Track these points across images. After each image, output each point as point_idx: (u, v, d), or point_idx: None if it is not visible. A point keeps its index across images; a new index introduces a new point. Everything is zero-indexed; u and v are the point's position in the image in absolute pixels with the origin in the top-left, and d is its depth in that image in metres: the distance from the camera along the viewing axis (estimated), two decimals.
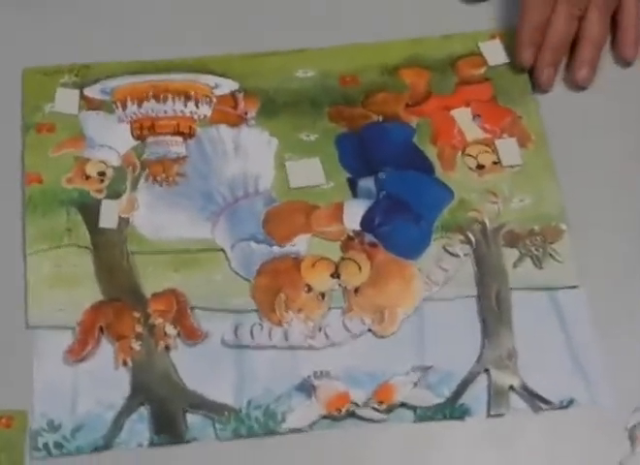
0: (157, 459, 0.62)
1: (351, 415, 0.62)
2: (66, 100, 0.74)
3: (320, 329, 0.65)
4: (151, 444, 0.62)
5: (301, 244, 0.68)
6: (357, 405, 0.62)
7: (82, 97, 0.74)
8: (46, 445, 0.62)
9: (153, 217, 0.69)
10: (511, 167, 0.71)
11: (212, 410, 0.63)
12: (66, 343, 0.65)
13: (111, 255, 0.68)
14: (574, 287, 0.67)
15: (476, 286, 0.67)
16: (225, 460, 0.62)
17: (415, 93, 0.74)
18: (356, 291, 0.66)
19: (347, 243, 0.68)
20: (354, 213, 0.69)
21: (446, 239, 0.68)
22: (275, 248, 0.68)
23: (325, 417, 0.62)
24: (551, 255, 0.68)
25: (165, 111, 0.73)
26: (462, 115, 0.73)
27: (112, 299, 0.66)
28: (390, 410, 0.62)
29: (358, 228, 0.68)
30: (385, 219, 0.68)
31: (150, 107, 0.73)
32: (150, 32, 0.77)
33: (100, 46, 0.75)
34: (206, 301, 0.66)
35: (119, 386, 0.64)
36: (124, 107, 0.73)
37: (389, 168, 0.70)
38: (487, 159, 0.71)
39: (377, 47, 0.75)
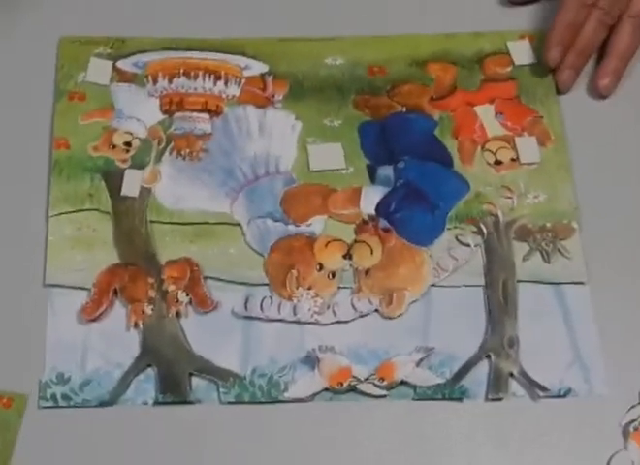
0: (160, 418, 0.63)
1: (352, 389, 0.63)
2: (99, 70, 0.75)
3: (329, 307, 0.66)
4: (156, 402, 0.63)
5: (316, 225, 0.69)
6: (359, 380, 0.63)
7: (115, 69, 0.75)
8: (54, 395, 0.63)
9: (174, 189, 0.70)
10: (529, 164, 0.72)
11: (217, 375, 0.64)
12: (80, 302, 0.66)
13: (130, 222, 0.69)
14: (580, 283, 0.67)
15: (484, 276, 0.68)
16: (226, 424, 0.63)
17: (440, 87, 0.75)
18: (366, 272, 0.67)
19: (361, 227, 0.69)
20: (371, 198, 0.70)
21: (459, 229, 0.69)
22: (291, 227, 0.69)
23: (327, 389, 0.63)
24: (560, 251, 0.68)
25: (195, 89, 0.74)
26: (485, 112, 0.74)
27: (128, 263, 0.67)
28: (390, 387, 0.63)
29: (373, 212, 0.69)
30: (400, 206, 0.69)
31: (181, 83, 0.74)
32: (185, 10, 0.78)
33: (136, 21, 0.77)
34: (219, 272, 0.67)
35: (129, 346, 0.65)
36: (155, 81, 0.74)
37: (408, 157, 0.71)
38: (505, 155, 0.72)
39: (407, 40, 0.76)
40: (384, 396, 0.63)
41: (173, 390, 0.63)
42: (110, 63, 0.75)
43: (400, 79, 0.75)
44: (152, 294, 0.66)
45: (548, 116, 0.73)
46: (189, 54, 0.75)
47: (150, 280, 0.67)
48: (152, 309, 0.66)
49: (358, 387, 0.63)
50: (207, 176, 0.71)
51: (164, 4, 0.78)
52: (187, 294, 0.66)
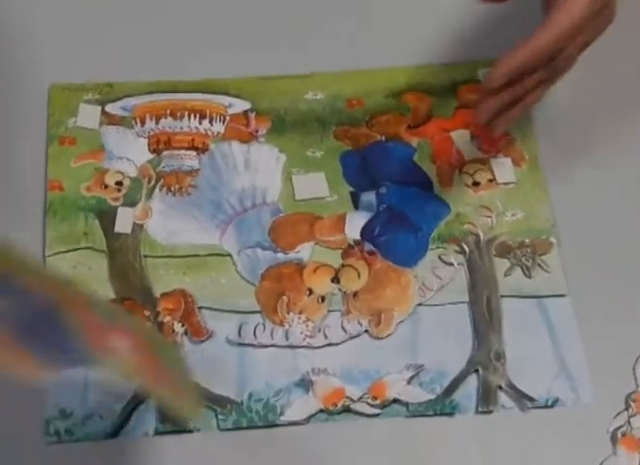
0: (162, 448, 0.64)
1: (346, 409, 0.64)
2: (88, 115, 0.76)
3: (320, 330, 0.67)
4: (156, 433, 0.64)
5: (304, 251, 0.70)
6: (352, 400, 0.64)
7: (104, 113, 0.76)
8: (57, 431, 0.64)
9: (166, 224, 0.72)
10: (505, 184, 0.73)
11: (215, 402, 0.64)
12: None
13: (124, 257, 0.70)
14: (561, 295, 0.68)
15: (468, 293, 0.69)
16: (226, 450, 0.64)
17: (417, 115, 0.76)
18: (354, 295, 0.68)
19: (348, 251, 0.70)
20: (355, 223, 0.71)
21: (441, 249, 0.70)
22: (280, 255, 0.70)
23: (322, 410, 0.64)
24: (540, 265, 0.70)
25: (181, 128, 0.76)
26: (460, 136, 0.75)
27: (124, 298, 0.68)
28: (383, 405, 0.64)
29: (358, 237, 0.71)
30: (384, 230, 0.71)
31: (167, 123, 0.76)
32: (169, 53, 0.79)
33: (122, 66, 0.78)
34: (212, 302, 0.68)
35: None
36: (143, 123, 0.76)
37: (389, 183, 0.73)
38: (482, 176, 0.73)
39: (383, 73, 0.78)
40: (377, 415, 0.64)
41: (172, 420, 0.64)
42: (98, 108, 0.76)
43: (378, 110, 0.76)
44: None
45: (521, 137, 0.75)
46: (175, 96, 0.77)
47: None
48: None
49: (352, 406, 0.64)
50: (196, 211, 0.72)
51: (149, 49, 0.79)
52: (182, 325, 0.67)
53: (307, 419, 0.64)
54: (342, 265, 0.69)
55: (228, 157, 0.74)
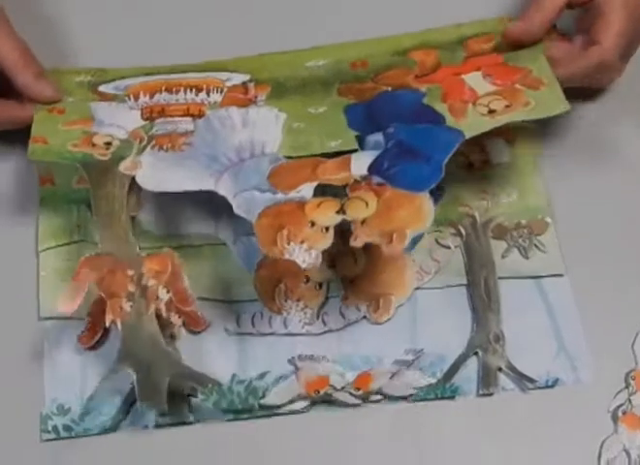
0: (163, 440, 0.62)
1: (328, 397, 0.62)
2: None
3: (318, 317, 0.66)
4: (157, 426, 0.62)
5: (306, 191, 0.63)
6: (335, 389, 0.62)
7: (96, 92, 0.72)
8: (55, 427, 0.62)
9: (156, 173, 0.65)
10: (499, 164, 0.71)
11: (196, 380, 0.62)
12: (76, 333, 0.65)
13: (111, 206, 0.66)
14: (559, 275, 0.67)
15: (466, 275, 0.67)
16: (227, 440, 0.62)
17: (424, 67, 0.71)
18: (363, 222, 0.61)
19: (354, 186, 0.63)
20: (362, 162, 0.64)
21: (438, 232, 0.69)
22: (280, 195, 0.63)
23: (303, 397, 0.62)
24: (536, 246, 0.68)
25: (176, 100, 0.71)
26: (472, 77, 0.69)
27: (106, 253, 0.64)
28: (366, 397, 0.62)
29: (365, 173, 0.63)
30: (394, 163, 0.64)
31: (162, 97, 0.71)
32: (164, 42, 0.77)
33: (116, 54, 0.75)
34: (209, 292, 0.67)
35: (126, 372, 0.63)
36: (136, 98, 0.71)
37: (397, 123, 0.66)
38: (499, 104, 0.67)
39: (387, 39, 0.74)
40: (358, 405, 0.62)
41: (151, 397, 0.61)
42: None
43: (384, 67, 0.72)
44: (132, 288, 0.62)
45: (537, 68, 0.69)
46: (170, 76, 0.73)
47: (130, 272, 0.62)
48: (131, 306, 0.62)
49: (334, 395, 0.62)
50: (191, 162, 0.66)
51: (143, 37, 0.77)
52: (168, 291, 0.63)
53: (288, 404, 0.62)
54: (348, 198, 0.62)
55: (225, 119, 0.69)
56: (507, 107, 0.67)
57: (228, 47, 0.75)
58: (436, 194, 0.67)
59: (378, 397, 0.63)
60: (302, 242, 0.61)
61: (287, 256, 0.60)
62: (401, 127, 0.66)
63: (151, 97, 0.71)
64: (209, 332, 0.66)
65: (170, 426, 0.63)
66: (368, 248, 0.66)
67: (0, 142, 0.73)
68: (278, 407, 0.62)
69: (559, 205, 0.70)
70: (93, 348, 0.65)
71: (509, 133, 0.72)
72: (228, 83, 0.73)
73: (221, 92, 0.72)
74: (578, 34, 0.71)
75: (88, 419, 0.62)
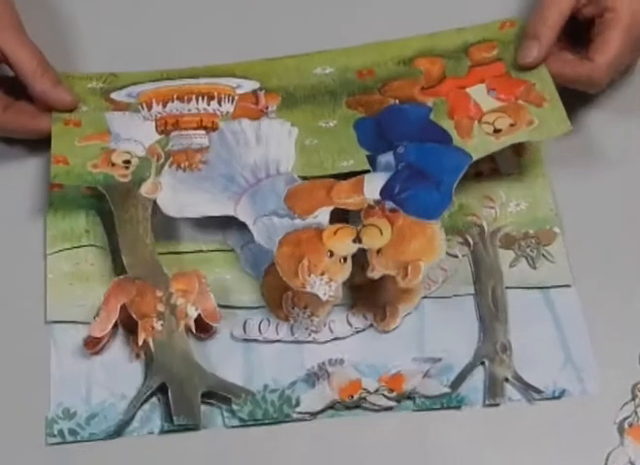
0: (167, 446, 0.62)
1: (362, 401, 0.62)
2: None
3: (325, 325, 0.65)
4: (162, 431, 0.62)
5: (322, 216, 0.65)
6: (368, 392, 0.62)
7: (108, 100, 0.73)
8: (60, 431, 0.62)
9: (176, 197, 0.67)
10: (508, 174, 0.71)
11: (230, 392, 0.62)
12: (82, 337, 0.65)
13: (135, 231, 0.66)
14: (567, 285, 0.67)
15: (474, 284, 0.67)
16: (234, 448, 0.62)
17: (430, 78, 0.72)
18: (378, 252, 0.63)
19: (368, 211, 0.64)
20: (374, 184, 0.66)
21: (446, 241, 0.68)
22: (298, 221, 0.65)
23: (338, 402, 0.62)
24: (544, 256, 0.68)
25: (189, 110, 0.72)
26: (477, 91, 0.70)
27: (135, 277, 0.65)
28: (399, 398, 0.62)
29: (378, 197, 0.65)
30: (405, 186, 0.65)
31: (175, 106, 0.72)
32: (173, 45, 0.77)
33: (126, 58, 0.76)
34: (216, 298, 0.66)
35: (132, 377, 0.64)
36: (149, 107, 0.72)
37: (407, 142, 0.68)
38: (503, 123, 0.68)
39: (392, 44, 0.74)
40: (391, 408, 0.62)
41: (186, 412, 0.61)
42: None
43: (390, 77, 0.73)
44: (161, 308, 0.64)
45: (540, 81, 0.70)
46: (181, 82, 0.74)
47: (159, 293, 0.64)
48: (162, 324, 0.63)
49: (368, 398, 0.62)
50: (208, 184, 0.68)
51: (151, 41, 0.77)
52: (196, 309, 0.64)
53: (323, 411, 0.62)
54: (363, 225, 0.64)
55: (238, 134, 0.70)
56: (512, 125, 0.68)
57: (235, 50, 0.76)
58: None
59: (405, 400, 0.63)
60: (322, 274, 0.63)
61: (309, 288, 0.62)
62: (411, 147, 0.67)
63: (164, 106, 0.72)
64: (216, 338, 0.65)
65: (175, 432, 0.62)
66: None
67: (10, 146, 0.73)
68: (313, 414, 0.62)
69: (567, 216, 0.69)
70: (98, 353, 0.65)
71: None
72: (239, 91, 0.73)
73: (232, 101, 0.72)
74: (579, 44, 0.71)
75: (94, 424, 0.62)
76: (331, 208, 0.65)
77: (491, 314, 0.65)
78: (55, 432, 0.62)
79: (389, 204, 0.64)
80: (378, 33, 0.75)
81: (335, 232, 0.64)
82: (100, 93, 0.73)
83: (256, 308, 0.66)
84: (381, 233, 0.63)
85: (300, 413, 0.62)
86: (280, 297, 0.66)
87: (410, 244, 0.63)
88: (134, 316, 0.63)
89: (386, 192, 0.65)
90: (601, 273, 0.67)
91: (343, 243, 0.63)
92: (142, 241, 0.66)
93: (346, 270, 0.63)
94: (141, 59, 0.75)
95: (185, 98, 0.72)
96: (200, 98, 0.72)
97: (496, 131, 0.68)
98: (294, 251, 0.63)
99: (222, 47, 0.76)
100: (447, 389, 0.62)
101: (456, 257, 0.68)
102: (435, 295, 0.66)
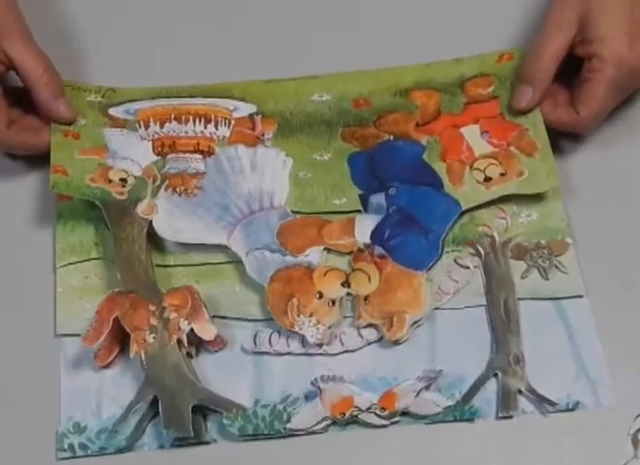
0: (178, 460, 0.61)
1: (354, 419, 0.61)
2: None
3: (336, 337, 0.65)
4: (173, 445, 0.61)
5: (313, 255, 0.67)
6: (360, 410, 0.61)
7: (107, 115, 0.73)
8: (71, 445, 0.62)
9: (172, 221, 0.68)
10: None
11: (221, 406, 0.62)
12: (92, 350, 0.64)
13: (131, 248, 0.67)
14: (579, 296, 0.66)
15: (485, 296, 0.66)
16: (240, 461, 0.61)
17: (425, 113, 0.73)
18: (365, 299, 0.65)
19: (357, 255, 0.67)
20: (365, 227, 0.68)
21: (457, 252, 0.68)
22: (289, 258, 0.67)
23: (331, 420, 0.62)
24: (556, 266, 0.67)
25: (186, 132, 0.73)
26: (470, 132, 0.72)
27: (129, 291, 0.65)
28: (392, 417, 0.61)
29: (368, 241, 0.68)
30: (394, 233, 0.68)
31: (172, 127, 0.73)
32: (172, 61, 0.77)
33: (124, 74, 0.76)
34: (226, 310, 0.66)
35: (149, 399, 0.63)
36: (147, 126, 0.73)
37: (399, 183, 0.70)
38: (494, 171, 0.70)
39: (389, 72, 0.75)
40: (385, 426, 0.61)
41: (176, 424, 0.61)
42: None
43: (386, 109, 0.74)
44: (154, 321, 0.64)
45: (533, 127, 0.71)
46: (178, 101, 0.74)
47: (152, 307, 0.64)
48: (154, 337, 0.63)
49: (360, 416, 0.61)
50: (202, 211, 0.69)
51: (150, 56, 0.77)
52: (189, 323, 0.64)
53: (319, 429, 0.61)
54: (353, 269, 0.67)
55: (234, 160, 0.72)
56: (502, 175, 0.69)
57: (234, 68, 0.76)
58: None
59: (399, 418, 0.62)
60: (310, 315, 0.64)
61: (297, 329, 0.64)
62: (402, 189, 0.69)
63: (161, 126, 0.73)
64: (226, 351, 0.65)
65: (186, 446, 0.61)
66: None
67: (18, 160, 0.73)
68: (305, 431, 0.61)
69: (579, 226, 0.69)
70: (108, 366, 0.64)
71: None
72: (235, 114, 0.74)
73: (229, 125, 0.73)
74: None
75: (104, 438, 0.61)
76: (321, 248, 0.67)
77: (503, 325, 0.65)
78: (66, 446, 0.61)
79: (378, 250, 0.67)
80: (377, 57, 0.76)
81: (325, 274, 0.66)
82: (98, 107, 0.74)
83: (266, 320, 0.66)
84: (369, 280, 0.65)
85: (291, 429, 0.61)
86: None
87: (397, 294, 0.65)
88: (126, 328, 0.63)
89: (376, 236, 0.67)
90: (614, 283, 0.66)
91: (333, 286, 0.65)
92: (137, 258, 0.67)
93: (334, 314, 0.65)
94: (140, 74, 0.76)
95: (182, 119, 0.73)
96: (197, 120, 0.73)
97: (487, 179, 0.69)
98: (284, 289, 0.65)
99: (221, 66, 0.76)
100: (440, 409, 0.61)
101: (467, 268, 0.67)
102: (447, 307, 0.66)
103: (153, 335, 0.63)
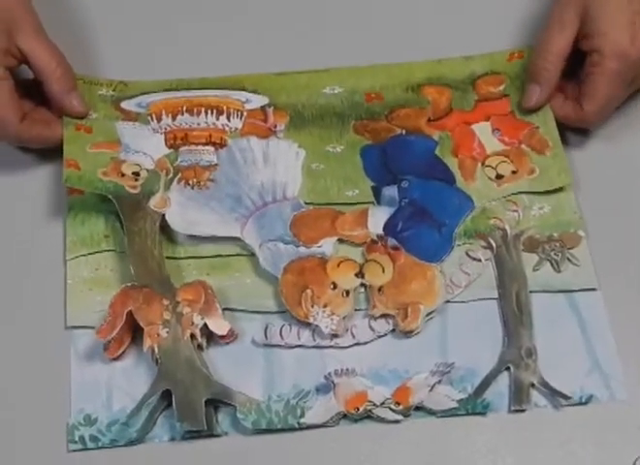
0: (189, 453, 0.61)
1: (368, 414, 0.61)
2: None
3: (347, 330, 0.64)
4: (183, 438, 0.61)
5: (326, 246, 0.67)
6: (374, 405, 0.61)
7: (119, 109, 0.73)
8: (82, 438, 0.61)
9: (185, 214, 0.68)
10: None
11: (234, 399, 0.61)
12: (102, 343, 0.64)
13: (144, 243, 0.66)
14: (592, 289, 0.65)
15: (497, 289, 0.66)
16: (251, 454, 0.61)
17: (437, 109, 0.73)
18: (379, 289, 0.65)
19: (371, 246, 0.67)
20: (378, 219, 0.68)
21: (468, 245, 0.67)
22: (302, 249, 0.67)
23: (344, 415, 0.61)
24: (569, 259, 0.66)
25: (198, 124, 0.72)
26: (482, 129, 0.72)
27: (142, 285, 0.65)
28: (406, 411, 0.61)
29: (381, 232, 0.67)
30: (407, 225, 0.68)
31: (184, 119, 0.73)
32: (183, 55, 0.77)
33: (136, 67, 0.75)
34: (237, 303, 0.65)
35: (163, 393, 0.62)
36: (159, 119, 0.73)
37: (411, 177, 0.70)
38: (506, 169, 0.70)
39: (401, 67, 0.75)
40: (398, 421, 0.61)
41: (190, 417, 0.60)
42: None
43: (398, 104, 0.73)
44: (167, 316, 0.63)
45: (544, 125, 0.71)
46: (190, 93, 0.74)
47: (165, 302, 0.64)
48: (167, 332, 0.63)
49: (374, 411, 0.61)
50: (215, 203, 0.69)
51: (162, 49, 0.77)
52: (202, 318, 0.64)
53: (332, 423, 0.61)
54: (366, 261, 0.66)
55: (246, 152, 0.71)
56: (513, 173, 0.69)
57: (246, 61, 0.75)
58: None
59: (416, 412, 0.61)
60: (325, 306, 0.64)
61: (311, 320, 0.63)
62: (415, 183, 0.69)
63: (174, 118, 0.72)
64: (237, 344, 0.64)
65: (197, 438, 0.61)
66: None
67: (29, 153, 0.73)
68: (319, 426, 0.61)
69: (591, 218, 0.68)
70: (119, 358, 0.64)
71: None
72: (247, 106, 0.73)
73: (241, 117, 0.72)
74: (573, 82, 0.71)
75: (115, 430, 0.61)
76: (334, 239, 0.67)
77: (515, 318, 0.64)
78: (76, 438, 0.61)
79: (391, 241, 0.66)
80: (388, 52, 0.75)
81: (338, 265, 0.65)
82: (110, 101, 0.73)
83: (277, 313, 0.65)
84: (383, 271, 0.65)
85: (305, 423, 0.60)
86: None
87: (411, 285, 0.65)
88: (140, 323, 0.63)
89: (389, 228, 0.67)
90: (627, 276, 0.66)
91: (346, 276, 0.65)
92: (150, 252, 0.66)
93: (348, 305, 0.64)
94: (152, 68, 0.75)
95: (195, 111, 0.72)
96: (209, 112, 0.72)
97: (499, 176, 0.69)
98: (298, 280, 0.65)
99: (233, 58, 0.76)
100: (455, 404, 0.61)
101: (479, 261, 0.67)
102: (459, 300, 0.65)
103: (167, 330, 0.63)
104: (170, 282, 0.65)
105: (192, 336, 0.63)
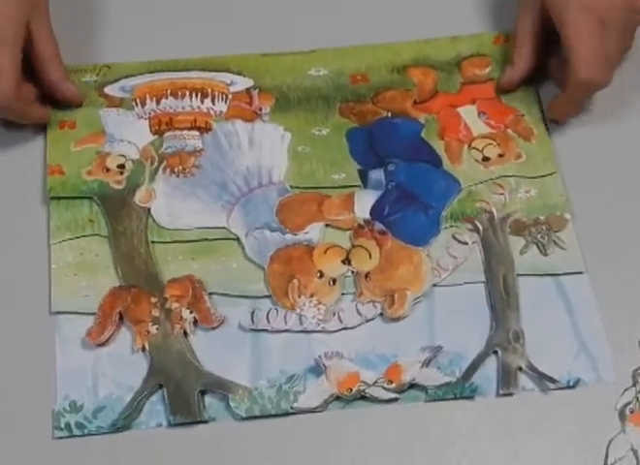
0: (175, 439, 0.60)
1: (362, 394, 0.60)
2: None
3: (334, 314, 0.63)
4: (170, 424, 0.60)
5: (313, 232, 0.66)
6: (367, 384, 0.60)
7: (102, 95, 0.72)
8: (67, 424, 0.60)
9: (170, 206, 0.67)
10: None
11: (227, 389, 0.61)
12: (87, 328, 0.63)
13: (129, 243, 0.66)
14: (579, 272, 0.65)
15: (484, 272, 0.65)
16: (241, 440, 0.60)
17: (422, 91, 0.72)
18: (366, 276, 0.64)
19: (358, 231, 0.66)
20: (364, 202, 0.67)
21: (455, 228, 0.66)
22: (289, 236, 0.66)
23: (337, 397, 0.60)
24: (555, 242, 0.66)
25: (182, 107, 0.71)
26: (467, 112, 0.71)
27: (130, 285, 0.64)
28: (400, 389, 0.60)
29: (368, 216, 0.66)
30: (394, 209, 0.67)
31: (168, 103, 0.71)
32: (167, 34, 0.75)
33: (120, 47, 0.74)
34: (223, 288, 0.64)
35: (139, 369, 0.62)
36: (143, 104, 0.71)
37: (397, 159, 0.69)
38: (492, 152, 0.69)
39: (386, 48, 0.74)
40: (395, 400, 0.60)
41: (183, 411, 0.60)
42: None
43: (383, 86, 0.72)
44: (156, 313, 0.63)
45: (529, 113, 0.71)
46: (175, 75, 0.72)
47: (153, 300, 0.64)
48: (157, 328, 0.63)
49: (367, 391, 0.60)
50: (201, 191, 0.68)
51: (146, 29, 0.75)
52: (191, 312, 0.63)
53: (324, 406, 0.60)
54: (353, 246, 0.65)
55: (232, 136, 0.70)
56: (500, 156, 0.69)
57: (230, 43, 0.74)
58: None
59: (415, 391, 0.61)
60: (311, 296, 0.63)
61: (298, 310, 0.63)
62: (401, 165, 0.68)
63: (158, 102, 0.71)
64: (224, 328, 0.63)
65: (183, 425, 0.60)
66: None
67: (9, 132, 0.71)
68: (312, 410, 0.60)
69: (578, 201, 0.67)
70: (104, 344, 0.62)
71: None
72: (232, 88, 0.72)
73: (226, 100, 0.71)
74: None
75: (101, 417, 0.60)
76: (321, 224, 0.66)
77: (502, 302, 0.63)
78: (62, 425, 0.60)
79: (378, 226, 0.65)
80: (374, 32, 0.74)
81: (325, 251, 0.64)
82: (94, 87, 0.72)
83: (264, 297, 0.64)
84: (370, 257, 0.64)
85: (298, 408, 0.60)
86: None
87: (398, 270, 0.64)
88: (129, 323, 0.63)
89: (376, 212, 0.66)
90: (613, 259, 0.65)
91: (333, 264, 0.64)
92: (137, 252, 0.65)
93: (335, 293, 0.63)
94: (135, 49, 0.73)
95: (179, 94, 0.71)
96: (194, 94, 0.71)
97: (485, 159, 0.68)
98: (285, 269, 0.64)
99: (217, 38, 0.74)
100: (448, 378, 0.60)
101: (466, 244, 0.66)
102: (446, 284, 0.64)
103: (156, 326, 0.63)
104: (158, 279, 0.64)
105: (183, 331, 0.63)
